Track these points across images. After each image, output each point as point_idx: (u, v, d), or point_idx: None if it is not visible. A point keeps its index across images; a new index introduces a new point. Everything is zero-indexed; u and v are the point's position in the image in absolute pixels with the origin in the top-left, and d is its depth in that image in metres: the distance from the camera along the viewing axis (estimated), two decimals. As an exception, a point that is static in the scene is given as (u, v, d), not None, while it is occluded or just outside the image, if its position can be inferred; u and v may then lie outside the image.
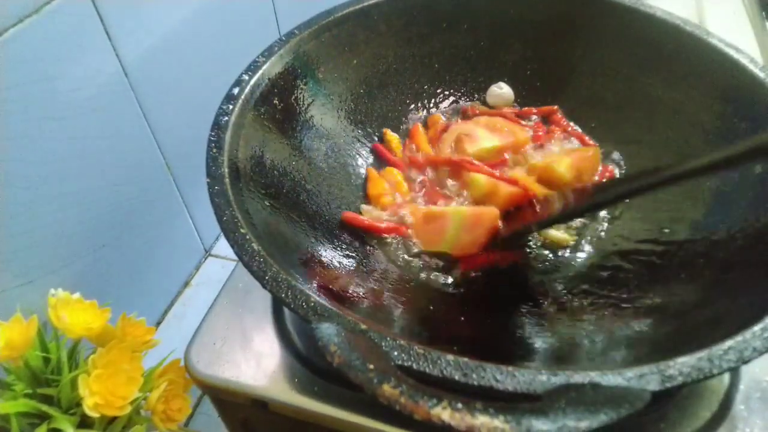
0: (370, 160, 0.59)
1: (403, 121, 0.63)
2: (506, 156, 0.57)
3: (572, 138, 0.59)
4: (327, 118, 0.56)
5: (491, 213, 0.49)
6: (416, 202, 0.55)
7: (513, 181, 0.52)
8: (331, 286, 0.42)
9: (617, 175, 0.56)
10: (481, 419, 0.26)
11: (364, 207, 0.54)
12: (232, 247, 0.38)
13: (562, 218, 0.49)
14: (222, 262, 0.90)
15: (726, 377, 0.45)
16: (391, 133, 0.60)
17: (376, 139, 0.60)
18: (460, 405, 0.26)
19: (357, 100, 0.59)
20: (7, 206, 0.54)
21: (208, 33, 0.77)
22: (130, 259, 0.73)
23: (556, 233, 0.51)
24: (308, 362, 0.47)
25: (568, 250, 0.51)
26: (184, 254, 0.87)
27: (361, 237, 0.52)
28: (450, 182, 0.55)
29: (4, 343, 0.48)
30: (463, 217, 0.49)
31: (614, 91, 0.58)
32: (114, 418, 0.51)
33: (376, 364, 0.29)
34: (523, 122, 0.61)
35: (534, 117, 0.62)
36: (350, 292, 0.44)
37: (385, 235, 0.52)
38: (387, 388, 0.27)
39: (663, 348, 0.37)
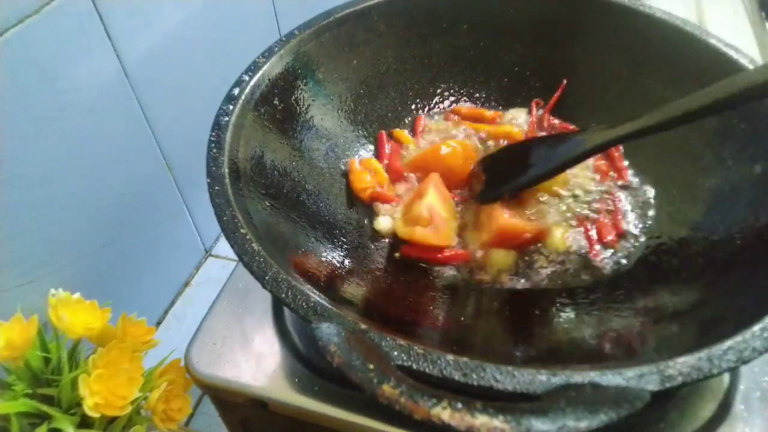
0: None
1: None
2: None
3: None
4: (327, 118, 0.56)
5: (436, 175, 0.54)
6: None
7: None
8: (331, 286, 0.42)
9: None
10: (481, 419, 0.26)
11: (380, 220, 0.54)
12: (233, 247, 0.38)
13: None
14: (222, 262, 0.91)
15: (726, 377, 0.45)
16: (399, 131, 0.61)
17: (374, 140, 0.60)
18: (459, 405, 0.26)
19: (357, 100, 0.59)
20: (7, 206, 0.54)
21: (209, 33, 0.77)
22: (131, 259, 0.73)
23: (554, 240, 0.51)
24: (308, 362, 0.47)
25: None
26: (185, 254, 0.87)
27: (361, 237, 0.52)
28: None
29: (4, 343, 0.48)
30: (435, 193, 0.52)
31: (614, 91, 0.58)
32: (114, 418, 0.51)
33: (376, 364, 0.29)
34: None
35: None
36: (350, 291, 0.44)
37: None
38: (387, 389, 0.27)
39: (662, 348, 0.37)
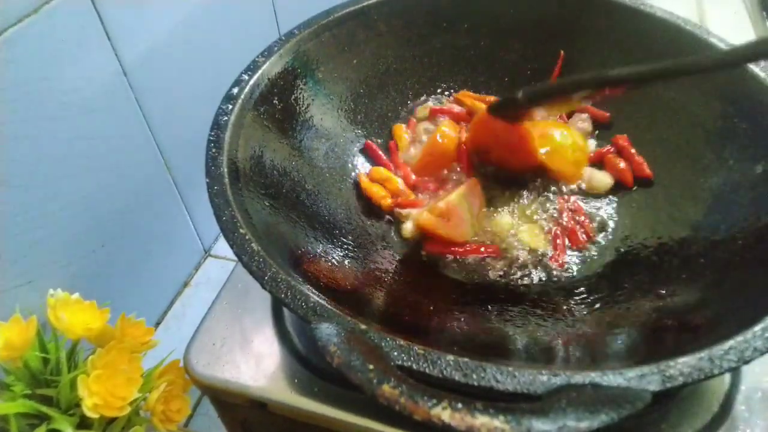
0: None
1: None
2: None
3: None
4: (327, 118, 0.56)
5: (473, 181, 0.53)
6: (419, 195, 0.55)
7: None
8: (330, 286, 0.41)
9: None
10: (481, 419, 0.26)
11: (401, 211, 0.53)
12: (232, 247, 0.37)
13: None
14: (221, 262, 0.90)
15: (727, 378, 0.44)
16: (397, 125, 0.61)
17: (373, 139, 0.60)
18: (460, 405, 0.26)
19: (357, 100, 0.59)
20: (6, 206, 0.54)
21: (208, 33, 0.77)
22: (130, 259, 0.73)
23: (529, 238, 0.51)
24: (308, 363, 0.47)
25: (568, 251, 0.51)
26: (184, 254, 0.87)
27: (361, 237, 0.52)
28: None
29: (3, 344, 0.48)
30: (464, 196, 0.51)
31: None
32: (113, 419, 0.51)
33: (376, 364, 0.29)
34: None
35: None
36: (350, 291, 0.44)
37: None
38: (387, 389, 0.27)
39: (664, 348, 0.37)
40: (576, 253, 0.50)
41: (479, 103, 0.61)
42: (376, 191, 0.54)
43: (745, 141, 0.48)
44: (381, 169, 0.57)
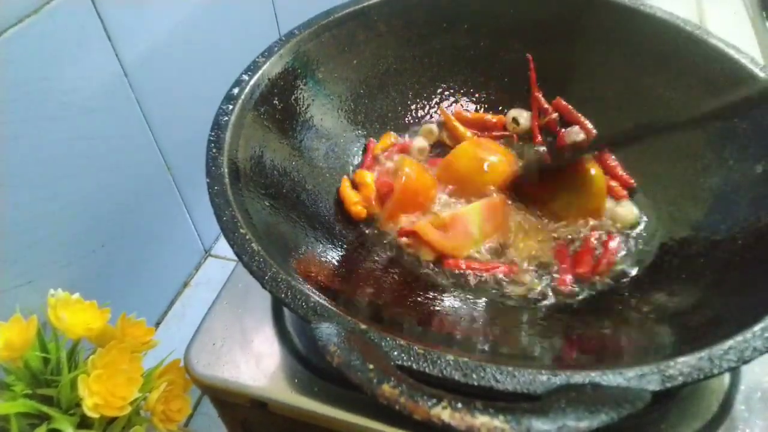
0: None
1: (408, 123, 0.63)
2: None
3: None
4: (327, 118, 0.56)
5: (500, 198, 0.52)
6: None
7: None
8: (330, 286, 0.42)
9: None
10: (481, 419, 0.26)
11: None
12: (232, 247, 0.37)
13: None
14: (222, 262, 0.90)
15: (727, 378, 0.44)
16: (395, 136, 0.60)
17: (372, 139, 0.60)
18: (459, 405, 0.26)
19: (357, 100, 0.59)
20: (6, 206, 0.54)
21: (208, 33, 0.77)
22: (130, 259, 0.73)
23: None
24: (308, 362, 0.47)
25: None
26: (184, 254, 0.87)
27: (362, 237, 0.52)
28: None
29: (3, 344, 0.48)
30: (480, 211, 0.50)
31: (614, 91, 0.58)
32: (114, 419, 0.51)
33: (376, 364, 0.29)
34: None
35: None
36: (350, 291, 0.44)
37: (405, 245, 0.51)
38: (387, 388, 0.27)
39: (664, 348, 0.37)
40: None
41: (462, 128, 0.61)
42: (349, 197, 0.53)
43: (745, 141, 0.48)
44: (365, 172, 0.55)
